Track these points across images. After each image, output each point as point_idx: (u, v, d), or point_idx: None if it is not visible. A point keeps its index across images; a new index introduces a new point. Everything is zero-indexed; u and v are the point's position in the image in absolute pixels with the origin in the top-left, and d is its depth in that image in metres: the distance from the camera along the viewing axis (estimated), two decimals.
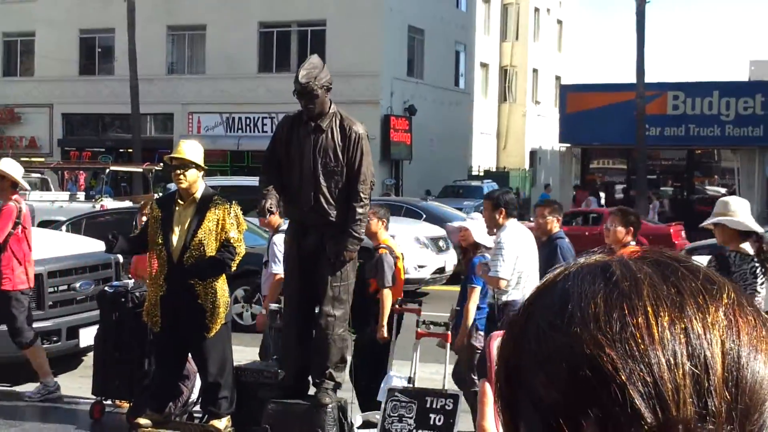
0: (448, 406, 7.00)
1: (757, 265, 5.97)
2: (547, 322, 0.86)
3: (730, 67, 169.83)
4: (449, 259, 18.70)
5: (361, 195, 7.07)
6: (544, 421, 0.83)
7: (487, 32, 50.57)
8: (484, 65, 50.29)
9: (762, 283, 6.02)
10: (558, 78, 54.39)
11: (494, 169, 47.84)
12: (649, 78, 31.67)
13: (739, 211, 6.13)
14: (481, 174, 44.80)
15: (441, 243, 18.86)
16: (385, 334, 7.94)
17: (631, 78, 31.64)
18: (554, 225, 7.93)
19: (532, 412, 0.84)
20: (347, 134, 7.09)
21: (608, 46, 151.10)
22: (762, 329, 0.85)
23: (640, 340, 0.81)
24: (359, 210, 7.06)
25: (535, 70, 54.14)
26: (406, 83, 39.33)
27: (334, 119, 7.14)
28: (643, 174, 31.00)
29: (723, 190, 34.34)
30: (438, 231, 19.32)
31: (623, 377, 0.80)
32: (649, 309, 0.83)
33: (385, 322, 7.96)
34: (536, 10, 54.48)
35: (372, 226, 8.07)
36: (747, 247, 6.01)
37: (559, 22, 58.24)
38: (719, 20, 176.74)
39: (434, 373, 8.94)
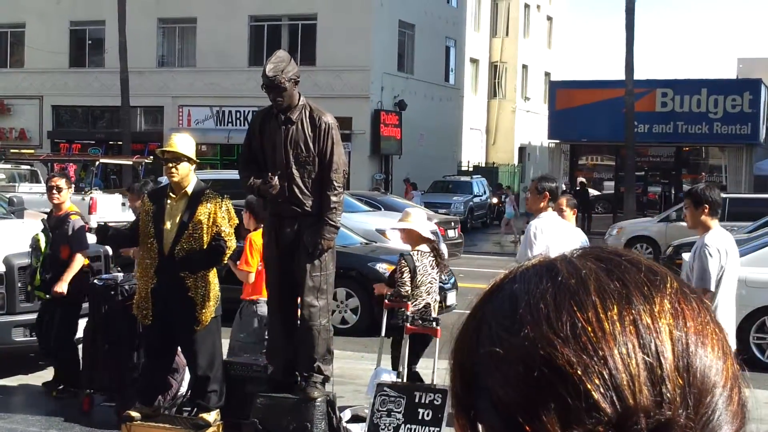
0: (437, 401, 7.04)
1: (432, 258, 8.14)
2: (499, 325, 0.87)
3: (718, 64, 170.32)
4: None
5: (335, 183, 7.15)
6: (504, 420, 0.84)
7: (477, 28, 50.61)
8: (474, 61, 50.34)
9: (438, 272, 8.29)
10: (547, 74, 54.51)
11: (483, 165, 47.93)
12: (638, 75, 31.77)
13: (421, 220, 8.35)
14: (471, 169, 44.88)
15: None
16: (63, 290, 8.85)
17: (620, 75, 31.71)
18: None
19: (492, 412, 0.85)
20: (317, 124, 7.17)
21: (598, 43, 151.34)
22: (705, 315, 0.88)
23: (592, 335, 0.83)
24: (333, 198, 7.14)
25: (524, 67, 54.22)
26: (396, 78, 39.34)
27: (303, 111, 7.22)
28: (631, 171, 31.08)
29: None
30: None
31: (579, 372, 0.81)
32: (597, 304, 0.84)
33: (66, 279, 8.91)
34: (526, 6, 54.55)
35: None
36: (424, 247, 8.18)
37: (549, 18, 58.32)
38: (708, 19, 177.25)
39: (423, 368, 8.98)
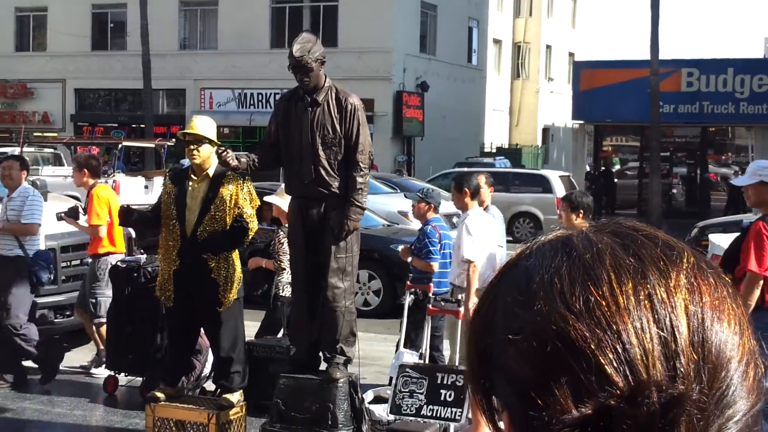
0: (459, 381, 7.02)
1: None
2: (514, 300, 0.88)
3: (745, 44, 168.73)
4: None
5: (361, 165, 7.13)
6: (518, 394, 0.85)
7: (500, 8, 50.33)
8: (497, 41, 50.08)
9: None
10: (571, 54, 54.11)
11: (506, 146, 47.75)
12: (664, 55, 31.41)
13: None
14: (494, 151, 44.73)
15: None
16: None
17: (645, 55, 31.41)
18: None
19: (506, 387, 0.86)
20: (343, 106, 7.15)
21: (622, 22, 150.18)
22: (723, 290, 0.88)
23: (606, 310, 0.83)
24: (359, 179, 7.11)
25: (548, 47, 53.88)
26: (418, 59, 39.21)
27: (329, 92, 7.19)
28: (656, 151, 30.82)
29: (734, 169, 34.16)
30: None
31: (592, 346, 0.82)
32: (612, 279, 0.85)
33: None
34: None
35: None
36: None
37: None
38: None
39: (445, 349, 8.95)
